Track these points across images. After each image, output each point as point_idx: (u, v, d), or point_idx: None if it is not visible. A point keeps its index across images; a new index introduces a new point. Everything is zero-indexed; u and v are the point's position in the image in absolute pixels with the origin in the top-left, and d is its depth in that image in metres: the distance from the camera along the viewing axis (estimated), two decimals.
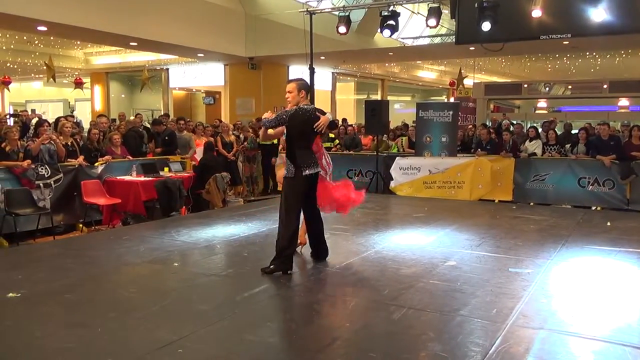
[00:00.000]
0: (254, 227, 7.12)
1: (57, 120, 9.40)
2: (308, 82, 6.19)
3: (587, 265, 5.43)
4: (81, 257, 5.66)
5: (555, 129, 11.06)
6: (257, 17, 15.02)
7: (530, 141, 10.00)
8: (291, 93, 4.96)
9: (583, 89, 18.47)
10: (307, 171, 4.93)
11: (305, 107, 4.99)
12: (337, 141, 11.70)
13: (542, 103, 22.53)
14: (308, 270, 5.12)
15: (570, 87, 19.57)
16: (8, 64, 17.73)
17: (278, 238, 4.96)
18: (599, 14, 9.32)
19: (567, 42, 12.62)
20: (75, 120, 11.28)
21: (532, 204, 9.49)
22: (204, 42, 14.15)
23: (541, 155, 9.76)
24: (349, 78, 22.50)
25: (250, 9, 15.06)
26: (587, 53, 18.60)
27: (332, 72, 20.50)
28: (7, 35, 14.99)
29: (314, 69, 11.52)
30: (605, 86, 16.97)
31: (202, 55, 15.65)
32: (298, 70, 17.02)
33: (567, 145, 9.83)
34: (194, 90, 20.49)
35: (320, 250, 5.38)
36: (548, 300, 4.28)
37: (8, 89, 18.64)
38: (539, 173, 9.61)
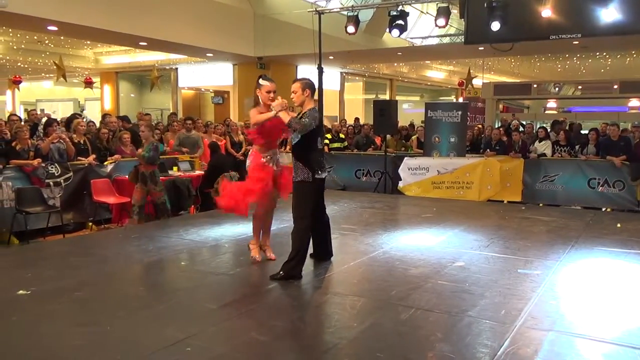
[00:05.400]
0: None
1: (69, 119, 9.43)
2: (316, 81, 6.11)
3: (596, 267, 5.39)
4: (90, 255, 5.69)
5: (566, 129, 11.00)
6: (266, 17, 15.04)
7: (539, 142, 9.96)
8: (296, 93, 4.87)
9: (593, 90, 18.36)
10: (323, 174, 4.91)
11: (316, 108, 4.96)
12: (346, 142, 11.66)
13: (551, 103, 22.41)
14: (315, 270, 5.11)
15: (580, 87, 19.45)
16: (19, 64, 17.90)
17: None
18: (609, 14, 9.24)
19: (577, 42, 12.55)
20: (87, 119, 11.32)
21: (541, 204, 9.42)
22: (213, 42, 14.20)
23: (551, 155, 9.71)
24: (357, 78, 22.47)
25: (259, 8, 15.09)
26: (597, 53, 18.46)
27: (341, 72, 20.49)
28: (18, 35, 15.11)
29: (322, 68, 11.50)
30: (615, 86, 16.85)
31: (211, 55, 15.69)
32: (307, 70, 17.01)
33: (577, 146, 9.77)
34: (202, 89, 20.56)
35: (324, 253, 5.32)
36: (557, 302, 4.25)
37: (18, 88, 18.81)
38: (549, 174, 9.56)
